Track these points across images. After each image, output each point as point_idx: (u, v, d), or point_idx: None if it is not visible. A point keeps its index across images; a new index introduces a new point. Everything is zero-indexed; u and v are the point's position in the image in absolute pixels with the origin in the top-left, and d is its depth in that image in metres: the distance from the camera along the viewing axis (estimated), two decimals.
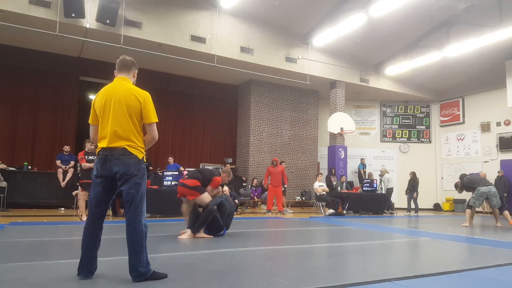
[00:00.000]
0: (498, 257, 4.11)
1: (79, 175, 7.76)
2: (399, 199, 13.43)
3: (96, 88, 12.71)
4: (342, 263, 3.74)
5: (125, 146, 2.62)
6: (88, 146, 7.45)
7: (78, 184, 7.78)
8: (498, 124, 13.65)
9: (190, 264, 3.31)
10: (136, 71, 2.98)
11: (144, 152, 2.73)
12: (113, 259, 3.42)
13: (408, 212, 11.98)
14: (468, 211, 7.86)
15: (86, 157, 7.34)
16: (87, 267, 2.70)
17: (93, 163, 7.27)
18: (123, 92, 2.70)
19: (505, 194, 11.36)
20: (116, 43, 9.22)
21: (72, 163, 9.64)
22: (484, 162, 13.91)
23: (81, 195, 7.34)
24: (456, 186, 8.69)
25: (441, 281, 2.96)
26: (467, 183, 8.06)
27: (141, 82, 13.40)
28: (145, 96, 2.75)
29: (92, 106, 2.79)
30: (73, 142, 11.17)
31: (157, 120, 2.77)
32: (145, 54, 9.96)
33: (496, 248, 4.78)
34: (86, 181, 7.28)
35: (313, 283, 2.70)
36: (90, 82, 12.35)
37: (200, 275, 2.91)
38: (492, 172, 12.51)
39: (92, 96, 13.29)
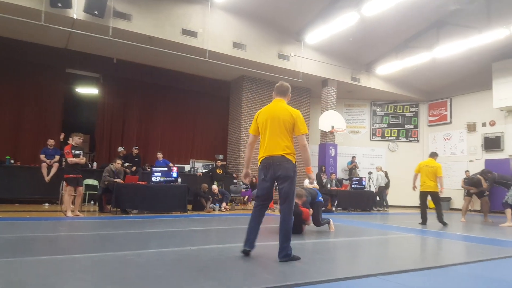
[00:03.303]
0: (482, 253, 4.16)
1: (64, 169, 7.53)
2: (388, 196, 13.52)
3: (83, 80, 12.49)
4: (330, 258, 3.73)
5: (285, 155, 3.29)
6: (76, 139, 7.21)
7: (63, 179, 7.54)
8: (484, 124, 13.89)
9: (178, 260, 3.24)
10: (290, 95, 3.69)
11: (295, 158, 3.38)
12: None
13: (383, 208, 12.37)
14: (509, 210, 7.80)
15: (73, 151, 7.12)
16: (250, 243, 3.41)
17: (79, 158, 7.17)
18: (283, 111, 3.40)
19: (487, 193, 11.55)
20: (104, 35, 9.02)
21: (57, 157, 9.39)
22: (470, 161, 14.14)
23: (66, 190, 7.13)
24: (472, 181, 8.82)
25: (424, 276, 2.99)
26: (499, 179, 8.25)
27: (130, 75, 13.26)
28: (297, 113, 3.42)
29: (255, 119, 3.54)
30: (59, 136, 10.92)
31: (307, 132, 3.41)
32: (134, 47, 9.79)
33: (485, 245, 4.83)
34: (71, 176, 7.09)
35: (300, 279, 2.67)
36: (77, 75, 12.11)
37: (188, 271, 2.84)
38: (476, 171, 12.70)
39: (79, 89, 13.04)
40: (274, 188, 3.58)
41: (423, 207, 7.81)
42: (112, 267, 2.94)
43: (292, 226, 4.85)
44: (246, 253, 3.42)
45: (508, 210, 7.81)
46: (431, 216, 7.67)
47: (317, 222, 5.58)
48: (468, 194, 9.33)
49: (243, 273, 2.94)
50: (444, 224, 7.39)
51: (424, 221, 7.65)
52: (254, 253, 3.55)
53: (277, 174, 3.29)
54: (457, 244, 4.97)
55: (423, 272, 3.11)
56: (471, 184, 8.95)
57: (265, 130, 3.39)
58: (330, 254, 3.94)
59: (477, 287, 2.80)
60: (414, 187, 7.99)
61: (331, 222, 5.85)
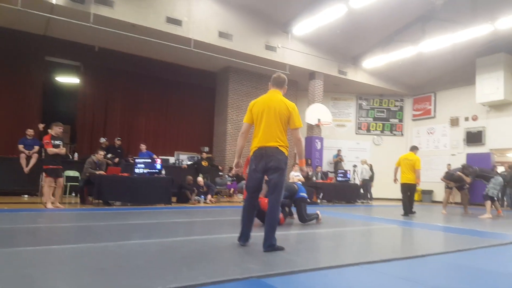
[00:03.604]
0: (461, 243, 4.24)
1: (44, 160, 7.30)
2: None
3: (64, 69, 12.12)
4: (314, 248, 3.73)
5: (278, 146, 3.27)
6: (56, 129, 7.02)
7: (43, 170, 7.31)
8: (466, 119, 14.17)
9: (160, 251, 3.17)
10: (286, 86, 3.60)
11: (287, 150, 3.35)
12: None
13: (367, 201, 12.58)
14: (489, 202, 7.97)
15: (52, 141, 6.92)
16: (244, 237, 3.43)
17: (59, 148, 6.96)
18: (279, 103, 3.35)
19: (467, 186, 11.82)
20: (85, 21, 8.73)
21: (36, 148, 9.10)
22: (452, 155, 14.42)
23: (46, 182, 6.93)
24: (453, 178, 8.95)
25: (405, 265, 3.02)
26: (480, 172, 8.38)
27: (112, 64, 12.88)
28: (293, 106, 3.39)
29: (249, 109, 3.49)
30: (38, 126, 10.60)
31: (302, 126, 3.42)
32: (117, 35, 9.51)
33: (467, 236, 4.91)
34: (51, 166, 6.90)
35: (284, 268, 2.64)
36: (56, 63, 11.74)
37: (170, 262, 2.77)
38: (457, 165, 12.96)
39: (59, 78, 12.64)
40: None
41: (404, 198, 8.00)
42: (91, 258, 2.84)
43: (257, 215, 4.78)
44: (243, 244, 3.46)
45: (488, 202, 8.00)
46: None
47: (302, 218, 5.37)
48: (449, 187, 9.50)
49: (226, 263, 2.89)
50: (412, 213, 7.86)
51: (406, 212, 7.86)
52: (235, 244, 3.50)
53: (269, 165, 3.27)
54: (437, 235, 5.05)
55: (404, 261, 3.15)
56: (452, 180, 9.09)
57: (260, 120, 3.35)
58: (314, 244, 3.93)
59: (455, 275, 2.84)
60: (395, 180, 8.27)
61: (320, 216, 5.61)
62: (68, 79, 12.67)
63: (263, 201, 4.85)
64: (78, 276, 2.33)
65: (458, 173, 8.91)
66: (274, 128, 3.29)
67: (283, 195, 5.04)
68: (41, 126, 9.62)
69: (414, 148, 8.41)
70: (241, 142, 3.53)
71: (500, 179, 8.20)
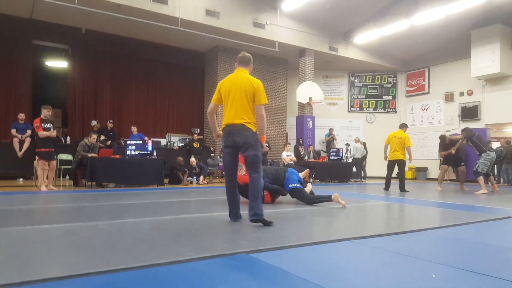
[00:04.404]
0: (456, 218, 4.27)
1: (36, 143, 7.29)
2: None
3: (52, 52, 11.89)
4: (305, 225, 3.75)
5: (244, 123, 3.37)
6: (45, 112, 7.01)
7: (35, 153, 7.32)
8: (461, 94, 14.09)
9: (150, 229, 3.19)
10: (252, 65, 3.71)
11: (255, 127, 3.45)
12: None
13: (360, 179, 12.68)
14: (481, 178, 7.91)
15: (42, 124, 6.91)
16: (233, 214, 3.59)
17: (50, 131, 6.93)
18: (244, 81, 3.45)
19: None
20: (70, 2, 8.49)
21: (29, 132, 9.09)
22: (446, 131, 14.38)
23: (39, 165, 6.95)
24: (443, 142, 8.88)
25: (397, 239, 3.03)
26: (476, 138, 8.17)
27: (100, 46, 12.64)
28: (258, 83, 3.47)
29: (217, 89, 3.59)
30: (29, 110, 10.49)
31: (266, 102, 3.49)
32: (102, 15, 9.29)
33: (460, 211, 4.98)
34: (43, 149, 6.92)
35: (274, 243, 2.66)
36: (44, 47, 11.52)
37: (159, 239, 2.80)
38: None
39: (47, 61, 12.42)
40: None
41: (388, 174, 8.31)
42: (81, 236, 2.86)
43: (246, 194, 4.73)
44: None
45: (480, 178, 7.96)
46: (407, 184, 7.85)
47: (307, 200, 5.06)
48: (445, 163, 9.33)
49: (216, 239, 2.91)
50: (405, 191, 7.83)
51: (387, 187, 8.23)
52: (227, 221, 3.53)
53: (237, 141, 3.41)
54: (432, 211, 5.09)
55: (397, 236, 3.15)
56: (443, 145, 9.03)
57: (227, 99, 3.48)
58: (305, 221, 3.97)
59: (448, 248, 2.85)
60: (385, 157, 8.41)
61: (339, 199, 4.88)
62: (56, 63, 12.47)
63: (239, 175, 4.83)
64: (66, 254, 2.34)
65: (449, 136, 8.91)
66: (240, 106, 3.41)
67: (266, 181, 4.96)
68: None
69: (403, 126, 8.49)
70: (211, 120, 3.72)
71: (492, 154, 8.08)
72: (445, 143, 8.95)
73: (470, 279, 1.98)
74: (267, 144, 11.68)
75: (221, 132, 3.63)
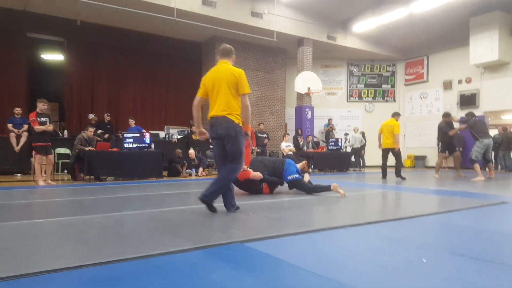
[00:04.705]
0: (451, 204, 4.29)
1: (32, 138, 7.26)
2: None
3: (47, 45, 11.79)
4: (301, 214, 3.75)
5: (226, 115, 3.39)
6: (40, 106, 6.95)
7: (31, 148, 7.30)
8: (460, 82, 14.03)
9: (146, 221, 3.20)
10: (234, 56, 3.72)
11: (240, 119, 3.45)
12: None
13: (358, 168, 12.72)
14: (477, 165, 7.95)
15: (38, 118, 6.87)
16: (226, 204, 3.59)
17: (46, 125, 6.90)
18: (226, 72, 3.46)
19: (461, 149, 11.90)
20: None
21: (26, 126, 9.04)
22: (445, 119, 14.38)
23: (36, 159, 6.95)
24: (440, 126, 8.90)
25: (393, 226, 3.05)
26: (477, 125, 8.19)
27: (95, 39, 12.51)
28: (240, 73, 3.47)
29: (202, 83, 3.60)
30: (25, 104, 10.44)
31: (249, 92, 3.49)
32: (97, 7, 9.18)
33: (456, 197, 4.99)
34: (39, 144, 6.89)
35: (269, 233, 2.66)
36: (39, 39, 11.43)
37: (155, 231, 2.80)
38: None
39: (43, 54, 12.33)
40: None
41: (383, 163, 8.51)
42: (77, 229, 2.86)
43: (246, 188, 5.05)
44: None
45: (476, 165, 7.99)
46: (409, 173, 7.87)
47: (307, 190, 5.09)
48: (443, 151, 9.32)
49: (211, 229, 2.91)
50: (402, 178, 8.01)
51: (384, 175, 8.40)
52: (224, 211, 3.53)
53: (219, 133, 3.44)
54: (428, 198, 5.10)
55: (392, 222, 3.17)
56: (439, 131, 9.05)
57: (212, 92, 3.51)
58: (302, 210, 3.97)
59: (443, 234, 2.87)
60: (380, 146, 8.61)
61: (337, 189, 4.84)
62: (52, 56, 12.37)
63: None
64: (60, 247, 2.33)
65: (445, 119, 8.92)
66: (222, 98, 3.43)
67: (265, 174, 5.02)
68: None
69: (395, 114, 8.62)
70: (195, 114, 3.70)
71: (486, 141, 8.05)
72: (442, 127, 8.99)
73: (459, 262, 2.01)
74: (265, 135, 11.65)
75: (203, 130, 3.67)
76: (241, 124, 3.48)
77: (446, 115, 9.05)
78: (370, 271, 1.86)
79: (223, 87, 3.43)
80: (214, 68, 3.60)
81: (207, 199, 3.41)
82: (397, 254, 2.18)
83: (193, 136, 10.79)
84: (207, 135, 3.67)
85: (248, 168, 5.09)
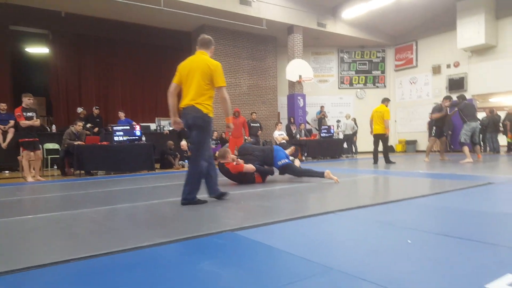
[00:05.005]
0: (439, 187, 4.34)
1: (19, 133, 7.13)
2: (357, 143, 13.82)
3: (31, 38, 11.53)
4: (292, 201, 3.76)
5: (194, 104, 3.35)
6: (26, 100, 6.81)
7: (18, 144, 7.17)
8: (448, 66, 14.12)
9: (136, 214, 3.18)
10: (213, 47, 3.72)
11: (211, 109, 3.42)
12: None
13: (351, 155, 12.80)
14: (466, 148, 8.07)
15: (24, 113, 6.73)
16: (213, 190, 3.61)
17: (33, 120, 6.77)
18: (201, 63, 3.42)
19: (450, 132, 12.03)
20: None
21: (12, 122, 8.83)
22: (434, 104, 14.48)
23: (24, 155, 6.83)
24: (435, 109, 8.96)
25: (382, 209, 3.07)
26: (467, 108, 8.28)
27: (81, 30, 12.28)
28: (216, 65, 3.43)
29: (177, 70, 3.55)
30: (11, 99, 10.24)
31: (224, 85, 3.47)
32: None
33: (444, 180, 5.04)
34: (26, 139, 6.77)
35: (260, 220, 2.66)
36: (23, 32, 11.15)
37: (146, 223, 2.79)
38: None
39: (27, 48, 12.06)
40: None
41: (375, 148, 8.63)
42: (66, 224, 2.83)
43: (239, 180, 5.01)
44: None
45: (465, 148, 8.12)
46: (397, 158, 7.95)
47: (298, 173, 5.17)
48: (437, 135, 9.30)
49: (203, 219, 2.90)
50: (390, 162, 8.27)
51: (375, 161, 8.52)
52: (215, 201, 3.52)
53: (188, 123, 3.42)
54: (417, 181, 5.16)
55: (381, 206, 3.20)
56: (433, 112, 9.15)
57: (185, 81, 3.47)
58: (294, 197, 3.98)
59: (431, 215, 2.91)
60: (371, 132, 8.72)
61: (330, 175, 4.90)
62: (37, 49, 12.11)
63: (231, 165, 4.91)
64: (48, 242, 2.31)
65: (439, 103, 9.01)
66: (194, 88, 3.39)
67: (256, 164, 5.02)
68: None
69: (385, 100, 8.71)
70: (170, 101, 3.59)
71: (473, 124, 8.20)
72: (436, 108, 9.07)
73: (444, 242, 2.04)
74: (258, 125, 11.61)
75: (178, 119, 3.57)
76: (210, 115, 3.41)
77: (447, 98, 9.09)
78: (358, 254, 1.88)
79: (196, 77, 3.39)
80: (191, 57, 3.57)
81: (189, 200, 3.40)
82: (385, 237, 2.21)
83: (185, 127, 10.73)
84: (181, 124, 3.57)
85: (239, 159, 5.09)
